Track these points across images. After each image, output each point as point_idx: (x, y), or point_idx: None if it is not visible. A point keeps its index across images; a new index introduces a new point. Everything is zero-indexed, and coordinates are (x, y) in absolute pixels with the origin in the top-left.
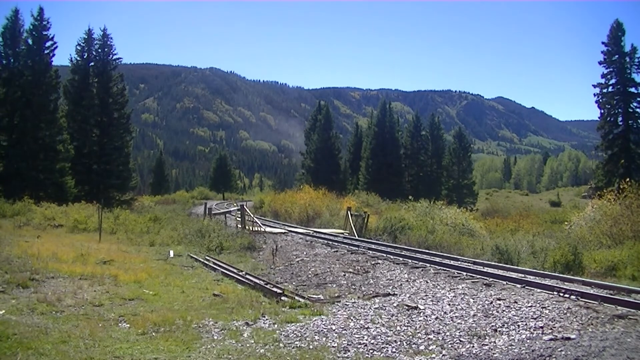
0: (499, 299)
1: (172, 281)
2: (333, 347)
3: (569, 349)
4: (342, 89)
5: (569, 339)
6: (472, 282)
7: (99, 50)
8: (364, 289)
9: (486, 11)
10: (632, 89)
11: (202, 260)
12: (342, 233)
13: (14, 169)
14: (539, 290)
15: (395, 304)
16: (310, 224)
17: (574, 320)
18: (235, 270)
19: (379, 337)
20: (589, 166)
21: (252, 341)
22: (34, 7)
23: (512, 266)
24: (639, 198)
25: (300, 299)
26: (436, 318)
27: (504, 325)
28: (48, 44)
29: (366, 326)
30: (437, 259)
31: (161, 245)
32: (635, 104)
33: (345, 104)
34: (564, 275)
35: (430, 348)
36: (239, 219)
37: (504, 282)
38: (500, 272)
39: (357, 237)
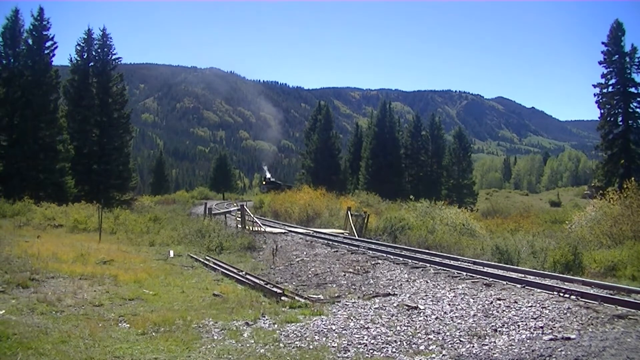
0: (499, 299)
1: (172, 281)
2: (333, 347)
3: (569, 349)
4: (342, 89)
5: (569, 339)
6: (472, 282)
7: (99, 50)
8: (364, 289)
9: (486, 11)
10: (632, 89)
11: (202, 260)
12: (342, 233)
13: (14, 169)
14: (539, 290)
15: (395, 304)
16: (310, 224)
17: (574, 320)
18: (235, 270)
19: (379, 337)
20: (589, 166)
21: (252, 341)
22: (34, 7)
23: (512, 266)
24: None
25: (300, 299)
26: (436, 318)
27: (504, 325)
28: (48, 44)
29: (366, 326)
30: (437, 259)
31: (161, 245)
32: (635, 104)
33: (345, 104)
34: (564, 275)
35: (430, 348)
36: (239, 219)
37: (504, 282)
38: (500, 272)
39: (357, 237)
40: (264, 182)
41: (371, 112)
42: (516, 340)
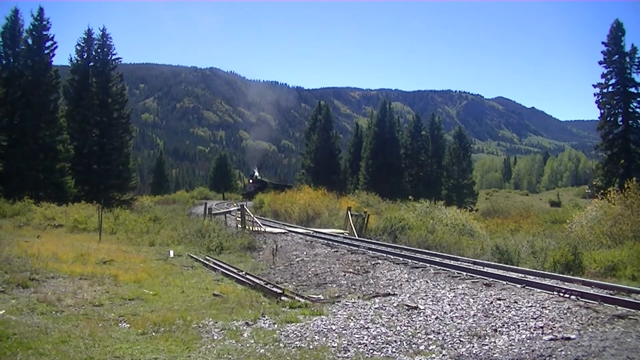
0: (499, 299)
1: (172, 281)
2: (333, 347)
3: (569, 349)
4: (342, 89)
5: (569, 339)
6: (472, 282)
7: (99, 50)
8: (364, 289)
9: (486, 11)
10: (632, 89)
11: (202, 260)
12: (342, 233)
13: (14, 169)
14: (539, 290)
15: (395, 304)
16: (310, 224)
17: (574, 320)
18: (235, 270)
19: (379, 337)
20: (589, 166)
21: (252, 341)
22: (34, 7)
23: (512, 266)
24: None
25: (300, 299)
26: (436, 318)
27: (504, 325)
28: (48, 44)
29: (366, 326)
30: (437, 259)
31: (161, 245)
32: (635, 104)
33: (345, 104)
34: (564, 275)
35: (430, 348)
36: (239, 219)
37: (504, 282)
38: (500, 272)
39: (357, 237)
40: (250, 181)
41: (371, 112)
42: (516, 340)
